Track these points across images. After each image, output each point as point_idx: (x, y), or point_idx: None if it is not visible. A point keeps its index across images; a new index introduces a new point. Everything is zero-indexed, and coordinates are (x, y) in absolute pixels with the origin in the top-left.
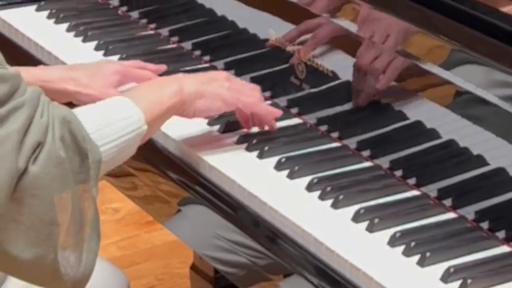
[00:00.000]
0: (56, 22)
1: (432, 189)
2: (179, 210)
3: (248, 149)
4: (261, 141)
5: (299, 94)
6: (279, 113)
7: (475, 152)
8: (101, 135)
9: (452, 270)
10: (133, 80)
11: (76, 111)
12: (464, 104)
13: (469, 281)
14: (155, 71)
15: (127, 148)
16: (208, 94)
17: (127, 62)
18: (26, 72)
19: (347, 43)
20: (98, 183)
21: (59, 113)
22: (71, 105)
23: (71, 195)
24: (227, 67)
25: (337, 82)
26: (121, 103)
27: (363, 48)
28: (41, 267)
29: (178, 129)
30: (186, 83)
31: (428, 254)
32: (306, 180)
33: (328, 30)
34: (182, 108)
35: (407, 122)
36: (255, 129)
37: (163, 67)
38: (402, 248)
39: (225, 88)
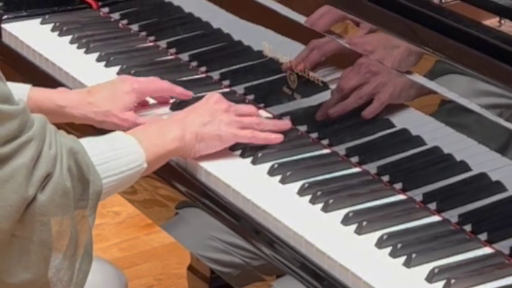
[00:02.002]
0: (60, 35)
1: (417, 194)
2: (177, 214)
3: (242, 155)
4: (254, 148)
5: (291, 103)
6: (276, 140)
7: (458, 158)
8: (105, 168)
9: (436, 270)
10: (150, 95)
11: (84, 141)
12: (448, 112)
13: (453, 281)
14: (181, 94)
15: (126, 183)
16: (207, 136)
17: (144, 79)
18: (43, 95)
19: (338, 55)
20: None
21: (67, 144)
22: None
23: (70, 220)
24: (222, 78)
25: (327, 91)
26: (127, 141)
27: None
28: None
29: None
30: (188, 127)
31: (413, 255)
32: (297, 185)
33: (322, 45)
34: (182, 151)
35: (393, 129)
36: None
37: (189, 93)
38: (389, 249)
39: (224, 124)
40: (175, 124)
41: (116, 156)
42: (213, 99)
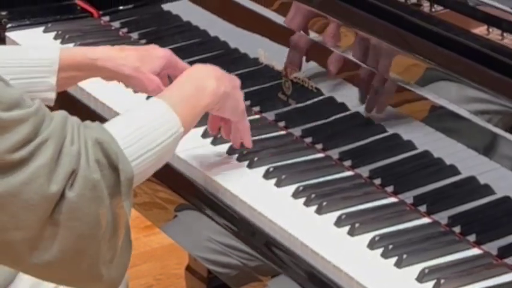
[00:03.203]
0: (62, 42)
1: (408, 196)
2: (175, 216)
3: (239, 159)
4: (250, 152)
5: (286, 109)
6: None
7: (448, 162)
8: (137, 148)
9: (426, 271)
10: (175, 69)
11: (111, 125)
12: (438, 118)
13: (442, 281)
14: None
15: (166, 152)
16: (233, 99)
17: (179, 60)
18: (75, 51)
19: (331, 61)
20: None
21: (92, 135)
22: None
23: (106, 210)
24: None
25: (321, 98)
26: (158, 108)
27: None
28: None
29: None
30: (223, 82)
31: (404, 256)
32: (292, 188)
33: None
34: (217, 106)
35: (385, 134)
36: None
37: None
38: (381, 250)
39: (241, 99)
40: (211, 75)
41: (149, 130)
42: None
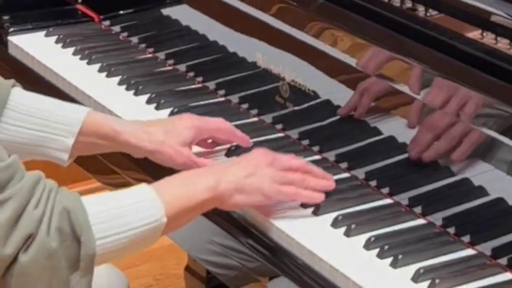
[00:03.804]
0: (64, 46)
1: (404, 198)
2: None
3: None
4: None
5: (283, 112)
6: (319, 199)
7: (442, 164)
8: (107, 227)
9: (421, 271)
10: (210, 133)
11: (91, 198)
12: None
13: (437, 281)
14: (241, 139)
15: (142, 239)
16: (249, 189)
17: (209, 118)
18: (100, 119)
19: (328, 65)
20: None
21: (61, 203)
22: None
23: (60, 281)
24: (218, 87)
25: (317, 101)
26: (143, 194)
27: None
28: None
29: None
30: (225, 178)
31: (400, 257)
32: None
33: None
34: (218, 202)
35: (381, 136)
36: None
37: (248, 141)
38: (376, 251)
39: (267, 179)
40: (211, 174)
41: (124, 213)
42: (259, 152)
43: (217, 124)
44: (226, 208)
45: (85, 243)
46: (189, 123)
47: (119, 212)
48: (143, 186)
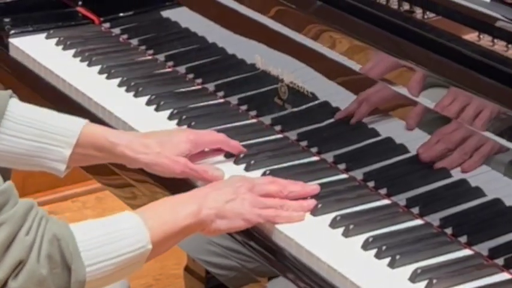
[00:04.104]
0: (64, 48)
1: (401, 199)
2: None
3: (236, 162)
4: (246, 156)
5: (282, 113)
6: (299, 218)
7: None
8: (95, 254)
9: (419, 271)
10: (205, 146)
11: (79, 226)
12: (430, 122)
13: (434, 281)
14: (235, 148)
15: (129, 265)
16: (230, 214)
17: (201, 131)
18: (98, 131)
19: (326, 67)
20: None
21: (51, 230)
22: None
23: None
24: (217, 89)
25: (316, 102)
26: (130, 221)
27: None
28: None
29: None
30: (207, 203)
31: (397, 257)
32: None
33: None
34: (200, 228)
35: (378, 138)
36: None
37: (243, 149)
38: (374, 251)
39: (247, 204)
40: (193, 200)
41: (112, 239)
42: (238, 178)
43: (212, 137)
44: (207, 233)
45: (75, 270)
46: (185, 136)
47: (106, 239)
48: (128, 214)
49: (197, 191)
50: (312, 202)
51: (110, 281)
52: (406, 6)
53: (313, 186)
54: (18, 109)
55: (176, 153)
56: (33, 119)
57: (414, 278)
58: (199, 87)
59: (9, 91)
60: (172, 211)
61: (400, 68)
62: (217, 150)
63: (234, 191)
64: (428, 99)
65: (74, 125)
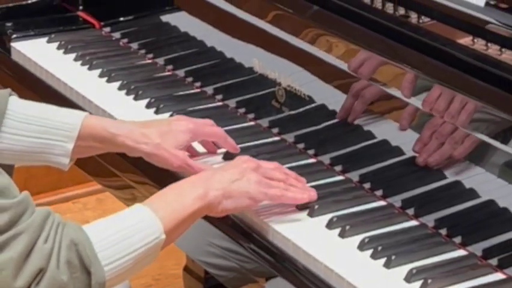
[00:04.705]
0: (65, 52)
1: (397, 200)
2: None
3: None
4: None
5: (279, 116)
6: (303, 200)
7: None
8: (113, 252)
9: (414, 271)
10: (204, 137)
11: (92, 226)
12: (425, 124)
13: (429, 281)
14: (230, 146)
15: (145, 258)
16: (236, 194)
17: (200, 120)
18: (98, 123)
19: (323, 71)
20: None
21: (68, 236)
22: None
23: None
24: (216, 92)
25: (313, 105)
26: (140, 214)
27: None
28: None
29: None
30: (212, 185)
31: (393, 257)
32: None
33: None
34: (208, 210)
35: (374, 140)
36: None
37: (237, 148)
38: (370, 251)
39: (253, 183)
40: (198, 183)
41: (126, 235)
42: (242, 159)
43: (211, 129)
44: (215, 214)
45: (94, 273)
46: (185, 126)
47: (120, 236)
48: (139, 206)
49: (202, 173)
50: (314, 193)
51: (129, 275)
52: (401, 11)
53: (312, 192)
54: (19, 107)
55: (175, 145)
56: (34, 115)
57: (409, 278)
58: (198, 90)
59: (9, 89)
60: (180, 198)
61: (395, 71)
62: (214, 152)
63: (240, 171)
64: (421, 101)
65: (74, 119)
